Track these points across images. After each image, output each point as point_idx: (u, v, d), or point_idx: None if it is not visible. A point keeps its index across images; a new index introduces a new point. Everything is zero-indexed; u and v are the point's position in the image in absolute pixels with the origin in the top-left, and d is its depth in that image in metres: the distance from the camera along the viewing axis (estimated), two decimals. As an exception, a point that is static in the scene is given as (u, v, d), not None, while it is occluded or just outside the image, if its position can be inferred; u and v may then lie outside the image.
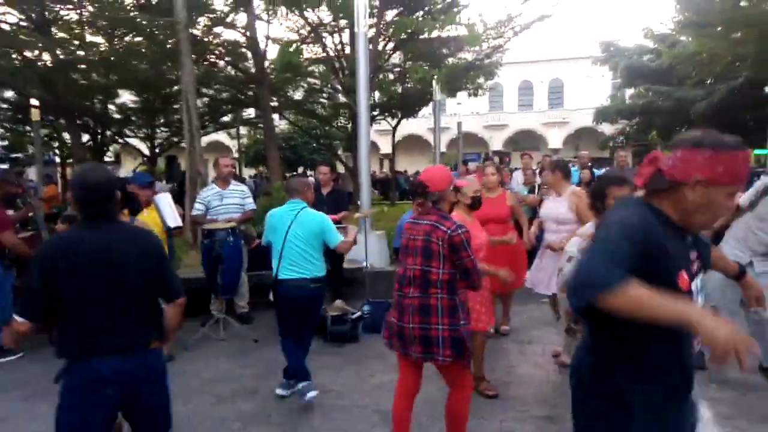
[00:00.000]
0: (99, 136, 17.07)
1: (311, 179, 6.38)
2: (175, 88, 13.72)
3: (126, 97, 17.13)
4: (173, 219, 4.73)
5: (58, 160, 21.14)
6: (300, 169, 26.75)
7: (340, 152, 21.53)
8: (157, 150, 18.93)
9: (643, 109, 22.75)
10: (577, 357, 1.75)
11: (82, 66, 12.36)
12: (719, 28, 12.98)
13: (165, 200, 4.81)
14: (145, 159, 19.17)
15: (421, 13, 12.18)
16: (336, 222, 5.57)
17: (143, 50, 11.98)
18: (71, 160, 17.90)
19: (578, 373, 1.71)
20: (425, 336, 2.76)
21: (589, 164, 9.37)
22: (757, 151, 20.77)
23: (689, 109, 19.69)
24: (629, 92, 26.15)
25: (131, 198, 2.92)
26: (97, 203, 2.12)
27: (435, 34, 12.06)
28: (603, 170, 8.85)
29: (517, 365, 4.48)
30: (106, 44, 12.58)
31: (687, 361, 1.63)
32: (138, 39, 11.98)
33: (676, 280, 1.50)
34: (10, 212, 5.18)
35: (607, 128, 27.82)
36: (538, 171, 7.79)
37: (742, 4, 12.25)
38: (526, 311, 5.72)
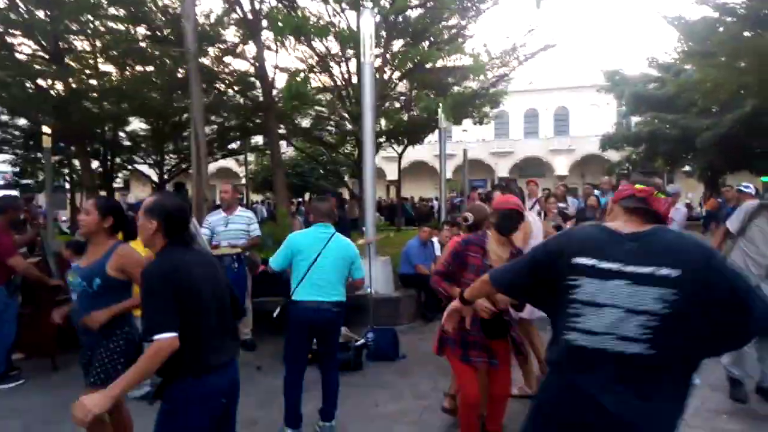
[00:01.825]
0: (109, 163, 17.28)
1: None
2: (185, 115, 13.94)
3: (136, 124, 17.39)
4: (203, 242, 4.80)
5: (68, 186, 21.37)
6: (306, 196, 26.90)
7: (346, 178, 21.65)
8: (165, 176, 19.12)
9: (649, 136, 22.88)
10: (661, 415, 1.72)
11: (94, 94, 12.60)
12: (723, 58, 13.10)
13: (192, 224, 4.86)
14: (153, 185, 19.34)
15: (427, 43, 12.39)
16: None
17: (154, 79, 12.21)
18: (81, 187, 18.09)
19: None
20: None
21: (595, 191, 9.41)
22: (764, 179, 20.72)
23: (694, 138, 19.76)
24: (635, 120, 26.31)
25: (128, 222, 3.00)
26: (184, 227, 2.30)
27: (440, 63, 12.24)
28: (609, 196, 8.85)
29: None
30: (118, 73, 12.85)
31: None
32: (149, 68, 12.22)
33: None
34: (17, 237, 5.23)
35: (613, 155, 27.91)
36: (543, 198, 7.80)
37: (745, 34, 12.39)
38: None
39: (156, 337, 2.02)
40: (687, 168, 22.87)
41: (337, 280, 3.73)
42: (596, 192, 9.34)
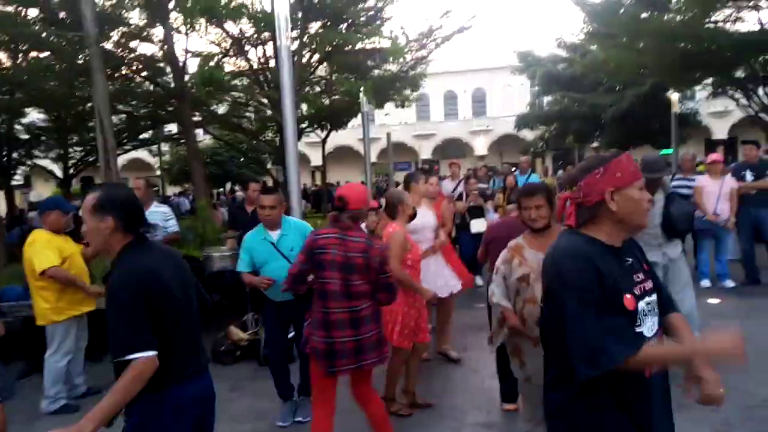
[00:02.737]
0: (5, 158, 15.85)
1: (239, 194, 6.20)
2: (89, 105, 12.96)
3: (34, 115, 16.02)
4: None
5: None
6: (228, 185, 26.03)
7: (269, 166, 21.16)
8: (71, 171, 17.82)
9: (560, 115, 24.00)
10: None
11: (-17, 84, 11.47)
12: (624, 39, 13.91)
13: None
14: (58, 181, 17.99)
15: (345, 25, 12.23)
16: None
17: (51, 66, 11.26)
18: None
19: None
20: (358, 346, 2.84)
21: (513, 169, 9.76)
22: (663, 152, 22.40)
23: (601, 115, 20.95)
24: (547, 99, 27.48)
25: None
26: (141, 220, 2.05)
27: (359, 46, 12.13)
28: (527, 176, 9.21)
29: (451, 372, 4.54)
30: (10, 60, 11.72)
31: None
32: (45, 55, 11.24)
33: (621, 302, 1.63)
34: None
35: (528, 134, 29.07)
36: (465, 179, 7.98)
37: (643, 16, 13.20)
38: (459, 317, 5.80)
39: (134, 356, 1.81)
40: (595, 144, 24.24)
41: None
42: (516, 172, 9.68)
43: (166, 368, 1.92)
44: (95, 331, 4.42)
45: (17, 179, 19.67)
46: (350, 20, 12.24)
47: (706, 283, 6.98)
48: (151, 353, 1.84)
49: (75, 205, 4.76)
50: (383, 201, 3.77)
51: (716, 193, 6.81)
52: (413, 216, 3.79)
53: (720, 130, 35.34)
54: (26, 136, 15.85)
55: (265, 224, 3.84)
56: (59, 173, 17.73)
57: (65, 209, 4.39)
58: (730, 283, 6.87)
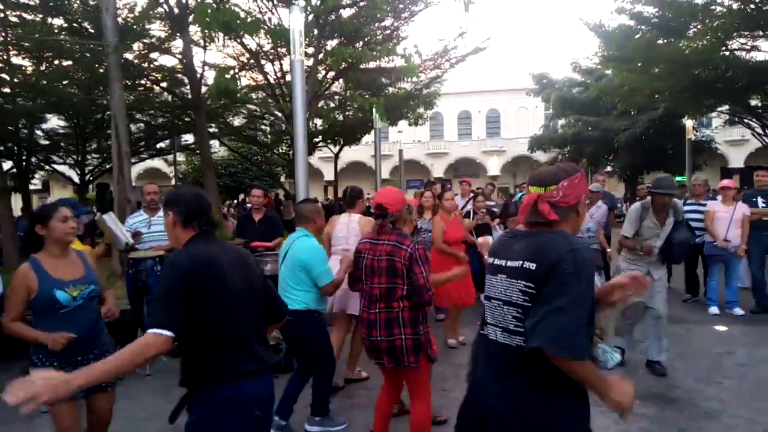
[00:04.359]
0: (24, 163, 16.18)
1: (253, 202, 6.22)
2: (107, 113, 13.26)
3: (54, 122, 16.37)
4: (125, 235, 4.57)
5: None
6: (241, 197, 26.26)
7: (282, 179, 21.36)
8: (88, 177, 18.13)
9: (574, 138, 23.99)
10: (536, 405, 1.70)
11: (6, 89, 11.76)
12: (639, 64, 13.94)
13: (111, 218, 4.64)
14: (75, 187, 18.29)
15: (361, 43, 12.41)
16: (270, 249, 5.50)
17: (72, 74, 11.55)
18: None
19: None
20: (391, 347, 2.98)
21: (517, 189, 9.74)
22: (678, 178, 22.25)
23: (614, 139, 20.90)
24: (561, 122, 27.51)
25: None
26: (204, 217, 2.11)
27: (374, 64, 12.29)
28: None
29: (450, 389, 4.50)
30: (33, 67, 12.05)
31: None
32: (67, 63, 11.54)
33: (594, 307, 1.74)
34: None
35: (541, 156, 29.05)
36: (473, 197, 7.99)
37: (659, 42, 13.23)
38: (469, 335, 5.77)
39: (150, 331, 1.80)
40: (608, 168, 24.16)
41: (292, 286, 3.62)
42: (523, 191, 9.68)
43: (224, 363, 1.94)
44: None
45: (35, 184, 20.04)
46: (367, 38, 12.44)
47: (714, 310, 6.86)
48: (166, 332, 1.80)
49: (88, 209, 4.84)
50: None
51: (727, 219, 6.74)
52: (415, 227, 3.80)
53: (736, 159, 35.03)
54: (46, 142, 16.18)
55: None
56: (76, 179, 18.05)
57: (77, 212, 4.47)
58: (739, 311, 6.75)
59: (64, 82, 11.74)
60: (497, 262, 1.83)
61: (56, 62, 11.78)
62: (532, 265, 1.67)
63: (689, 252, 4.67)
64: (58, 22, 11.22)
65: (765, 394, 4.28)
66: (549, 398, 1.67)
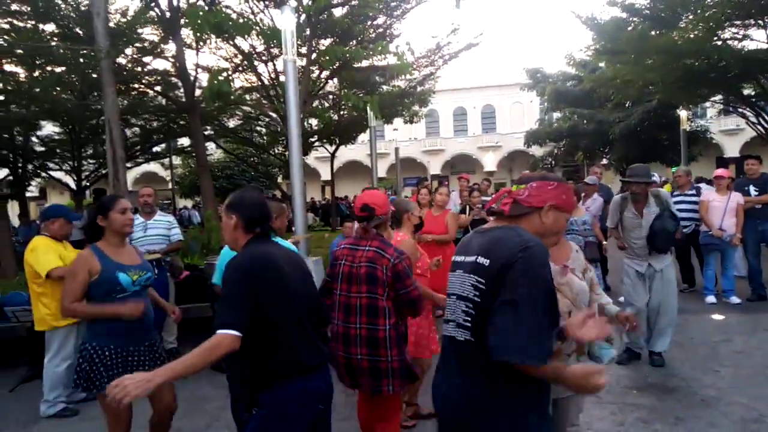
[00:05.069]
0: (20, 170, 16.15)
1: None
2: (101, 118, 13.24)
3: (49, 128, 16.33)
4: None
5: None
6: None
7: (279, 180, 21.33)
8: (85, 183, 18.10)
9: (569, 131, 23.98)
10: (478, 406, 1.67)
11: (0, 97, 11.74)
12: (632, 56, 13.94)
13: None
14: (72, 193, 18.26)
15: (354, 42, 12.40)
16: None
17: (66, 80, 11.52)
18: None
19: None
20: (374, 368, 2.70)
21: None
22: (674, 168, 22.27)
23: (609, 131, 20.91)
24: (556, 116, 27.51)
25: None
26: (265, 221, 2.21)
27: (367, 62, 12.28)
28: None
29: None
30: (26, 74, 12.02)
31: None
32: (60, 69, 11.51)
33: (556, 307, 1.72)
34: None
35: (537, 150, 29.05)
36: (468, 192, 8.01)
37: (651, 33, 13.23)
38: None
39: (219, 332, 1.90)
40: (604, 161, 24.17)
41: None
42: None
43: (289, 359, 2.03)
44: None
45: (32, 191, 19.99)
46: (359, 37, 12.42)
47: (711, 299, 6.90)
48: (234, 332, 1.89)
49: (80, 215, 4.84)
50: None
51: (722, 209, 6.77)
52: (420, 225, 3.77)
53: (731, 148, 35.11)
54: (41, 149, 16.14)
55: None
56: (73, 185, 18.02)
57: (69, 218, 4.48)
58: (735, 300, 6.79)
59: (58, 89, 11.70)
60: (457, 258, 1.82)
61: (49, 68, 11.75)
62: (486, 261, 1.66)
63: (674, 241, 4.68)
64: (49, 28, 11.18)
65: (761, 380, 4.31)
66: (506, 395, 1.63)
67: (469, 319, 1.67)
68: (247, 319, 1.94)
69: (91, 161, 17.82)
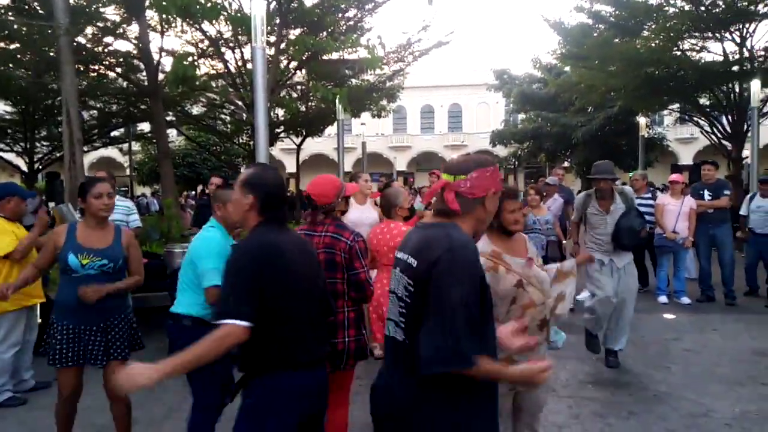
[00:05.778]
0: (-34, 150, 15.43)
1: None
2: (58, 99, 12.72)
3: (0, 107, 15.62)
4: None
5: None
6: (199, 188, 25.70)
7: (242, 170, 21.01)
8: (37, 166, 17.37)
9: (533, 133, 24.43)
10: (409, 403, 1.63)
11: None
12: (596, 62, 14.30)
13: (69, 209, 4.48)
14: (23, 176, 17.51)
15: (325, 33, 12.28)
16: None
17: (20, 57, 11.02)
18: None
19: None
20: (333, 350, 2.65)
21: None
22: (631, 173, 22.99)
23: (572, 135, 21.40)
24: (521, 117, 27.96)
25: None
26: (281, 205, 2.09)
27: (337, 55, 12.17)
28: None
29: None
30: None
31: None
32: (14, 45, 11.00)
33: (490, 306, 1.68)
34: None
35: (502, 151, 29.49)
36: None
37: (615, 41, 13.59)
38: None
39: (228, 321, 1.80)
40: (566, 163, 24.73)
41: (184, 286, 2.93)
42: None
43: (285, 351, 1.95)
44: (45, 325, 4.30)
45: (-21, 172, 19.12)
46: (330, 29, 12.31)
47: (663, 299, 7.16)
48: (243, 323, 1.81)
49: (34, 192, 4.64)
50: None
51: (676, 212, 7.02)
52: (409, 217, 3.83)
53: (686, 156, 36.50)
54: (-9, 128, 15.45)
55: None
56: (24, 168, 17.27)
57: (23, 195, 4.29)
58: (686, 300, 7.06)
59: (11, 66, 11.18)
60: (398, 255, 1.74)
61: (2, 44, 11.22)
62: (414, 262, 1.61)
63: (639, 239, 4.74)
64: (3, 1, 10.67)
65: (709, 377, 4.49)
66: (444, 397, 1.58)
67: (404, 320, 1.63)
68: (254, 309, 1.86)
69: (44, 143, 17.15)
